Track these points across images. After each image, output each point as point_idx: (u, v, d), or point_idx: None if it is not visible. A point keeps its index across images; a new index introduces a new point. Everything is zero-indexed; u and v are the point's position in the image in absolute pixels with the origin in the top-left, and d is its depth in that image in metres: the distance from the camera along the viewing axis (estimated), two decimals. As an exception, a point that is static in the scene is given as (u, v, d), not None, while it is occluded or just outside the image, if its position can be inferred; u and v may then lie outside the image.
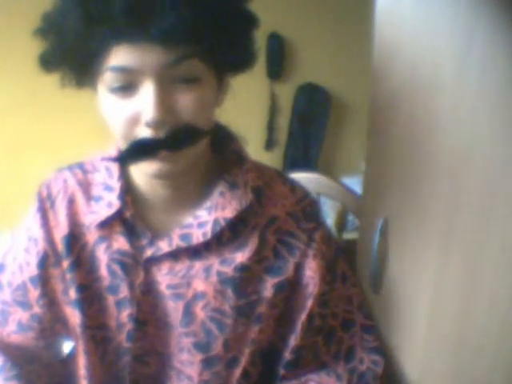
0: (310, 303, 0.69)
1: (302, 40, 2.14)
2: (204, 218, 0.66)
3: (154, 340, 0.70)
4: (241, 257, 0.67)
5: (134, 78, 0.56)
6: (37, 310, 0.71)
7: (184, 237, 0.66)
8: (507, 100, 0.61)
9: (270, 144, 2.20)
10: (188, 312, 0.68)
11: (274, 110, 2.17)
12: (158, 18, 0.53)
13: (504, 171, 0.63)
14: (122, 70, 0.56)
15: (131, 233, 0.68)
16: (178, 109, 0.57)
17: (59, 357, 0.77)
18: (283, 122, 2.21)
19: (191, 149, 0.60)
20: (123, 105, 0.57)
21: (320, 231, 0.71)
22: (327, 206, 1.54)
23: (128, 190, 0.68)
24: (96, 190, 0.70)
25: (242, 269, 0.67)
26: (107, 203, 0.67)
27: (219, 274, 0.67)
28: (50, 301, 0.71)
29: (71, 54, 0.58)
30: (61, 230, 0.69)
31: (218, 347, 0.68)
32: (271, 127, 2.19)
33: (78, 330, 0.69)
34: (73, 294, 0.68)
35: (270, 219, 0.69)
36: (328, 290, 0.70)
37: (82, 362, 0.71)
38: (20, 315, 0.71)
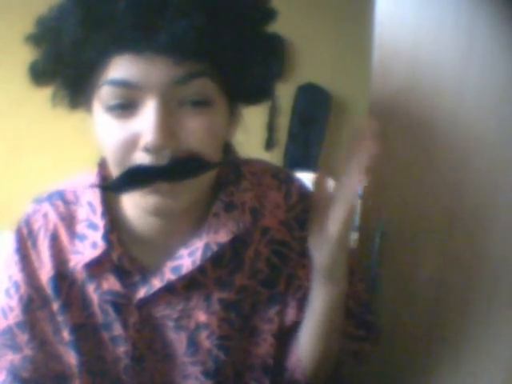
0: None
1: (302, 40, 2.14)
2: (195, 245, 0.61)
3: (153, 372, 0.66)
4: (240, 278, 0.63)
5: (134, 96, 0.49)
6: (28, 352, 0.65)
7: (175, 269, 0.61)
8: (507, 100, 0.61)
9: (270, 144, 2.19)
10: (192, 342, 0.64)
11: (274, 110, 2.16)
12: (168, 25, 0.46)
13: (504, 171, 0.63)
14: (123, 85, 0.49)
15: (121, 271, 0.62)
16: (183, 135, 0.50)
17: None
18: (283, 122, 2.21)
19: (196, 183, 0.53)
20: (120, 126, 0.50)
21: None
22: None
23: (114, 227, 0.61)
24: (80, 227, 0.63)
25: (243, 290, 0.63)
26: (91, 243, 0.61)
27: (221, 301, 0.63)
28: (41, 342, 0.65)
29: (66, 63, 0.52)
30: (46, 272, 0.63)
31: (227, 371, 0.66)
32: (271, 127, 2.18)
33: (75, 368, 0.65)
34: (67, 335, 0.64)
35: (263, 231, 0.64)
36: None
37: None
38: (11, 357, 0.66)
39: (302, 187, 0.69)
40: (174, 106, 0.50)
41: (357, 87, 1.86)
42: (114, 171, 0.54)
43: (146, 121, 0.49)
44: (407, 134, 0.71)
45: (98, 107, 0.52)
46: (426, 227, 0.73)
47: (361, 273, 0.70)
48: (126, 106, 0.50)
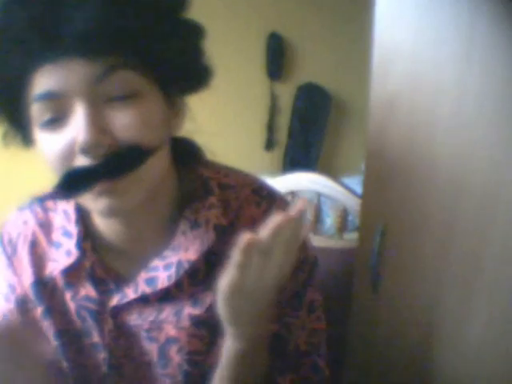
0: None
1: (302, 40, 2.14)
2: (170, 259, 0.61)
3: (131, 380, 0.67)
4: (212, 295, 0.60)
5: (63, 106, 0.50)
6: None
7: (149, 281, 0.61)
8: (508, 100, 0.61)
9: (270, 144, 2.20)
10: (163, 355, 0.64)
11: (273, 110, 2.17)
12: (68, 23, 0.46)
13: (505, 173, 0.63)
14: (48, 96, 0.50)
15: (95, 278, 0.62)
16: (116, 129, 0.51)
17: None
18: (283, 122, 2.21)
19: (140, 178, 0.53)
20: (56, 138, 0.51)
21: None
22: (327, 206, 1.54)
23: (88, 235, 0.62)
24: (56, 235, 0.64)
25: (214, 307, 0.59)
26: (66, 251, 0.62)
27: (191, 317, 0.62)
28: None
29: None
30: (27, 278, 0.64)
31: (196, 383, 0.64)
32: (271, 127, 2.18)
33: (65, 371, 0.66)
34: (52, 340, 0.65)
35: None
36: (290, 315, 0.63)
37: None
38: None
39: (285, 206, 0.64)
40: (100, 102, 0.51)
41: (357, 87, 1.87)
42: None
43: (77, 124, 0.50)
44: (407, 134, 0.71)
45: (35, 129, 0.53)
46: (426, 227, 0.73)
47: (322, 312, 0.65)
48: (57, 120, 0.51)
